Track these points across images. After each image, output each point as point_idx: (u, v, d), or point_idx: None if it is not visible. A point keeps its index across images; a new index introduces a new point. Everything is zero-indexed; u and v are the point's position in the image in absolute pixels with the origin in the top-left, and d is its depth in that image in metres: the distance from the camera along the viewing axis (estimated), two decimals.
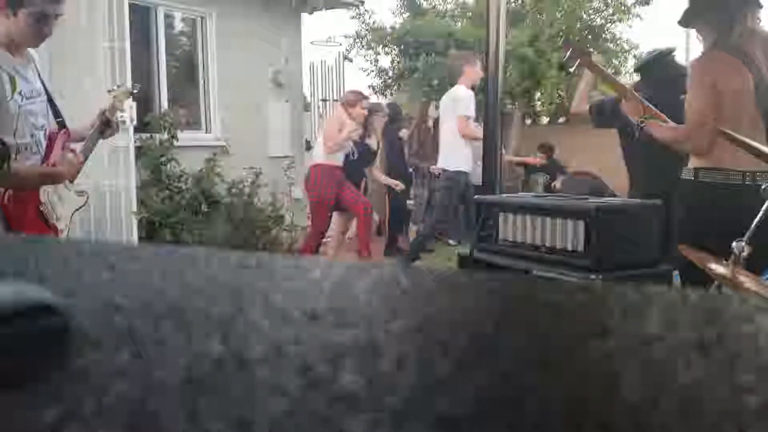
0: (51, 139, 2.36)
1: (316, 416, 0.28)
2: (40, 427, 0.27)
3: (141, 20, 6.03)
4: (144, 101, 5.66)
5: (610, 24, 10.90)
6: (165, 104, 6.20)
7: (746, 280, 1.75)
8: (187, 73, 6.67)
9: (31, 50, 2.36)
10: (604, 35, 10.86)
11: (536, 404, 0.30)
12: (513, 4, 10.27)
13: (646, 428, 0.27)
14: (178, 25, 6.63)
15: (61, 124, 2.43)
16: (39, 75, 2.35)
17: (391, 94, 11.34)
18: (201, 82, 6.56)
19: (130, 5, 5.64)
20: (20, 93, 2.20)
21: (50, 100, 2.39)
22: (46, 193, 2.38)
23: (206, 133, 6.53)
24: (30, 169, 2.28)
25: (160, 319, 0.42)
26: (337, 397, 0.30)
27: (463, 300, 0.50)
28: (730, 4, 2.42)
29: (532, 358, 0.36)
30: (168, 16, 6.40)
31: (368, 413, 0.28)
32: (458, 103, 5.13)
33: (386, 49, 11.30)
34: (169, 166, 5.66)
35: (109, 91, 2.75)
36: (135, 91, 2.96)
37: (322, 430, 0.27)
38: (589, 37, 10.56)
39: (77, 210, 2.64)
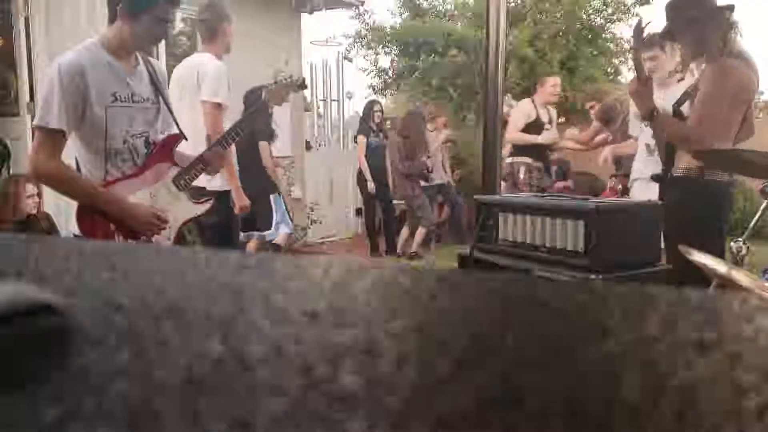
0: (158, 146, 2.24)
1: (316, 416, 0.28)
2: (40, 427, 0.27)
3: None
4: None
5: (610, 24, 10.89)
6: None
7: (745, 280, 1.75)
8: None
9: (152, 59, 2.32)
10: (604, 35, 10.85)
11: (536, 404, 0.30)
12: (513, 4, 10.25)
13: (645, 428, 0.27)
14: (178, 25, 6.62)
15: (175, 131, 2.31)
16: (154, 82, 2.25)
17: (391, 95, 11.33)
18: None
19: None
20: (114, 95, 2.11)
21: (168, 109, 2.30)
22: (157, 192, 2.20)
23: None
24: (83, 184, 2.11)
25: (160, 319, 0.42)
26: (337, 397, 0.30)
27: (463, 300, 0.50)
28: (717, 17, 2.48)
29: (532, 358, 0.36)
30: None
31: (368, 413, 0.28)
32: (205, 80, 3.33)
33: (386, 49, 11.28)
34: None
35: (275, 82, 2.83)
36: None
37: (322, 430, 0.27)
38: (590, 36, 10.55)
39: (191, 220, 2.33)
